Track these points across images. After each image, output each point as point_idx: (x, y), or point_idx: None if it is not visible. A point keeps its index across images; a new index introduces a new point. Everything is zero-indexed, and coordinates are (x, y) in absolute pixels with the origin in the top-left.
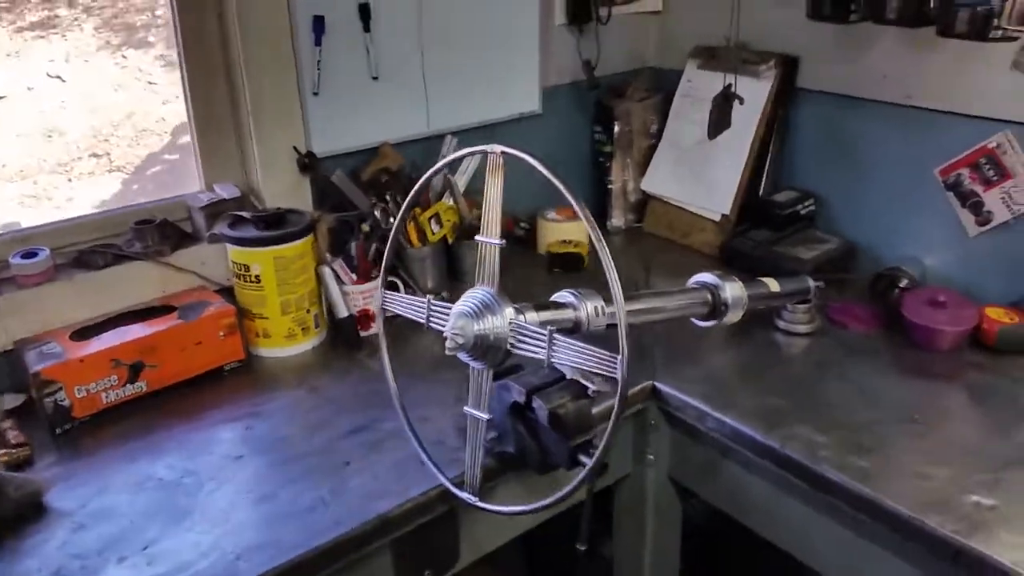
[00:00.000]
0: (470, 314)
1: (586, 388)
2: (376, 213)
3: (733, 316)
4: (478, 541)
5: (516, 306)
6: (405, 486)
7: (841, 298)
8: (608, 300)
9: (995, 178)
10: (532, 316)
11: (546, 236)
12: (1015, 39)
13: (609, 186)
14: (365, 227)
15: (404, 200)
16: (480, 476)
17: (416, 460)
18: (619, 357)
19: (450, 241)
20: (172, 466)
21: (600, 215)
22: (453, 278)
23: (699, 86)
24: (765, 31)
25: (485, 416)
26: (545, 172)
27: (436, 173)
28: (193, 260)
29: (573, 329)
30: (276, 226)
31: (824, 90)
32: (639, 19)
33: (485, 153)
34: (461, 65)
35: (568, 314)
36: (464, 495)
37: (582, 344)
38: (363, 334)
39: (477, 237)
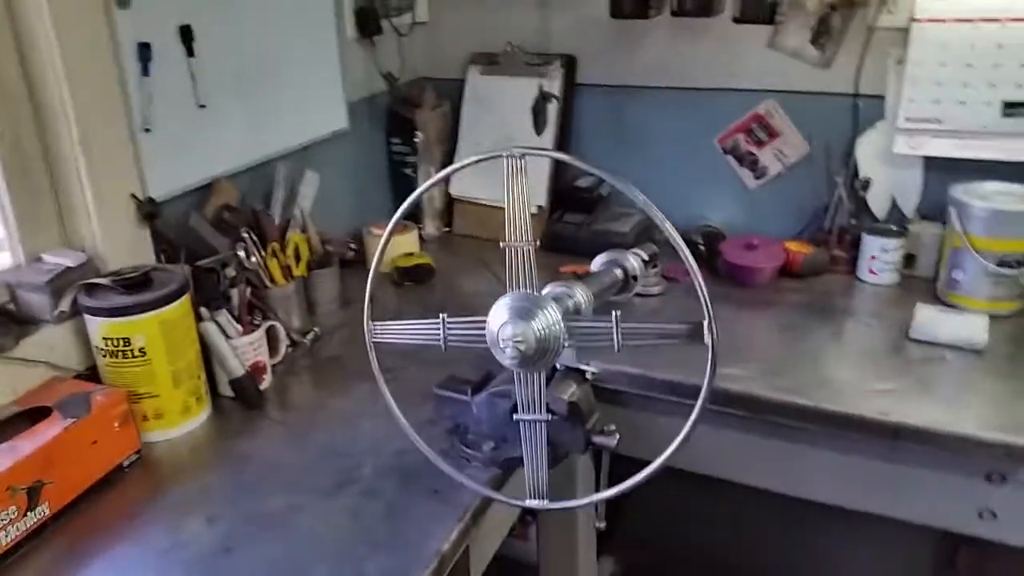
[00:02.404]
0: (522, 317)
1: (583, 372)
2: (239, 254)
3: (635, 286)
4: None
5: (555, 294)
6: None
7: (666, 259)
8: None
9: (766, 139)
10: (580, 292)
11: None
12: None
13: None
14: (230, 271)
15: (257, 236)
16: (546, 479)
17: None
18: (705, 321)
19: (305, 275)
20: None
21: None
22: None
23: (485, 91)
24: (540, 35)
25: (545, 417)
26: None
27: (431, 187)
28: (40, 348)
29: (621, 290)
30: (144, 288)
31: (604, 83)
32: (411, 30)
33: (501, 157)
34: (276, 87)
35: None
36: (534, 503)
37: (651, 322)
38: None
39: (504, 244)
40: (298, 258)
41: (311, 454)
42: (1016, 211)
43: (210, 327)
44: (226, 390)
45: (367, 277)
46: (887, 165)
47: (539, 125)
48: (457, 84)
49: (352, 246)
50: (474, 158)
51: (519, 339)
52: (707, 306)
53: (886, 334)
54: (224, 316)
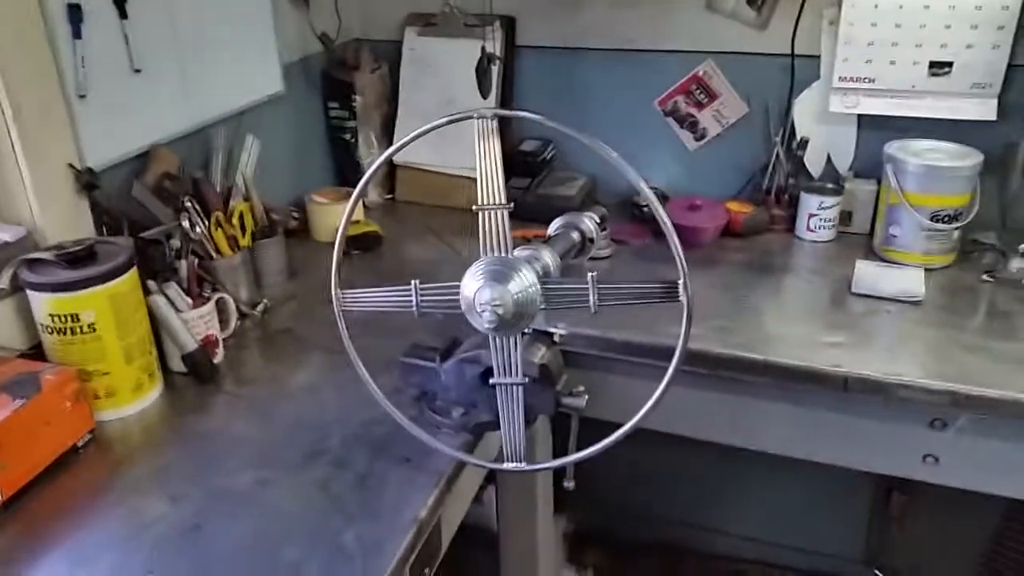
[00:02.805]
0: (498, 280)
1: (551, 335)
2: (184, 224)
3: (590, 249)
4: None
5: (525, 257)
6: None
7: (614, 222)
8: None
9: (705, 100)
10: (547, 256)
11: (326, 221)
12: None
13: (362, 162)
14: (175, 242)
15: (199, 205)
16: (524, 442)
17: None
18: (680, 279)
19: (250, 245)
20: None
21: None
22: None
23: (424, 53)
24: None
25: (522, 380)
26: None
27: (398, 151)
28: None
29: (578, 253)
30: (90, 262)
31: (544, 45)
32: None
33: (471, 118)
34: (210, 49)
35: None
36: (512, 466)
37: (628, 282)
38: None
39: (477, 207)
40: (243, 228)
41: (275, 428)
42: (948, 167)
43: (159, 300)
44: (178, 365)
45: (312, 247)
46: (823, 124)
47: (484, 87)
48: (395, 45)
49: (295, 214)
50: (444, 119)
51: (496, 302)
52: (682, 265)
53: (829, 289)
54: (173, 289)
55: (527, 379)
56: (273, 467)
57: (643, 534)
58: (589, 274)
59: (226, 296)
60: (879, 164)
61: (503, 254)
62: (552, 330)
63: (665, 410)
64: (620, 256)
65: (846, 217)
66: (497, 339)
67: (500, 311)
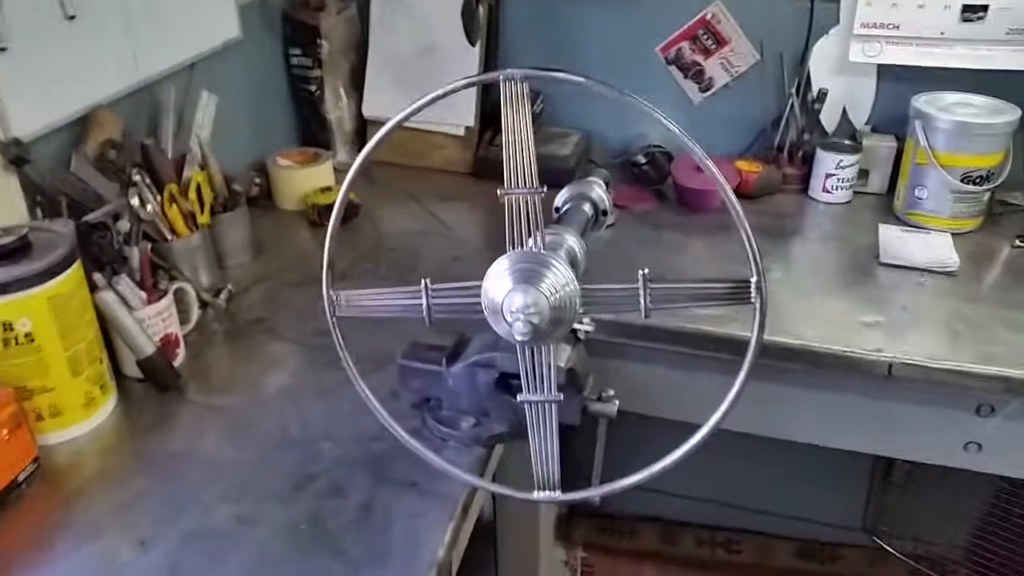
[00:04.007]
0: (529, 281)
1: (575, 331)
2: (133, 202)
3: (603, 222)
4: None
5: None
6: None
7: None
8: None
9: (713, 47)
10: (571, 240)
11: (292, 187)
12: None
13: (329, 116)
14: (124, 224)
15: (150, 177)
16: (559, 468)
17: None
18: (754, 278)
19: (209, 222)
20: None
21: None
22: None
23: None
24: None
25: (557, 397)
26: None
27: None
28: None
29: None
30: (23, 256)
31: None
32: None
33: (496, 82)
34: None
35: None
36: (545, 496)
37: (686, 282)
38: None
39: (503, 192)
40: (201, 201)
41: (253, 446)
42: (983, 123)
43: (109, 298)
44: (133, 370)
45: (278, 217)
46: (840, 75)
47: (471, 32)
48: None
49: (257, 181)
50: (462, 81)
51: (531, 310)
52: (756, 260)
53: (854, 259)
54: (124, 283)
55: (562, 395)
56: (255, 499)
57: (634, 507)
58: (640, 272)
59: (185, 286)
60: (899, 118)
61: (535, 249)
62: (578, 326)
63: (683, 399)
64: (622, 223)
65: (863, 176)
66: (527, 350)
67: (536, 319)
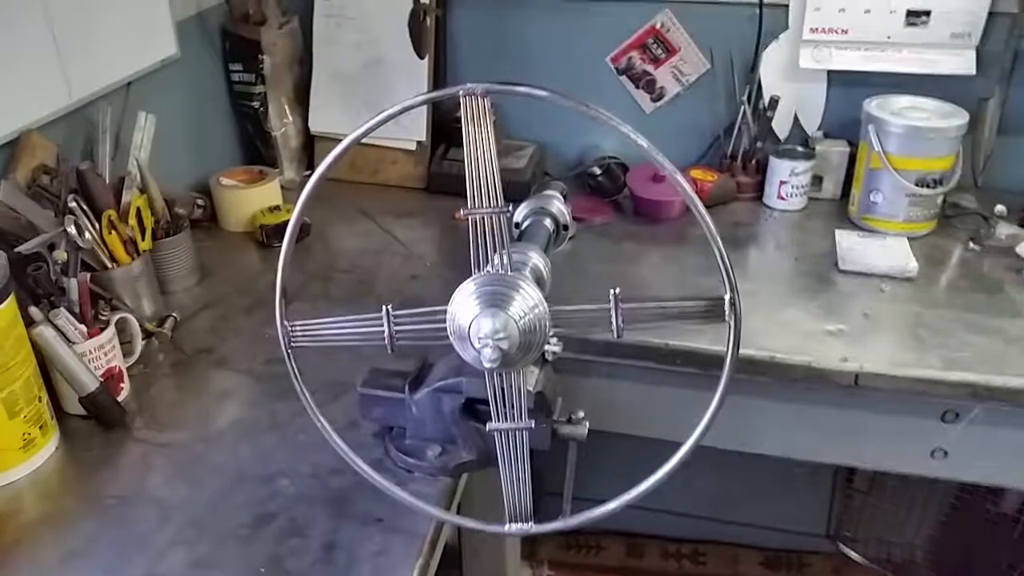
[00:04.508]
0: (497, 305)
1: (542, 353)
2: (70, 230)
3: (564, 237)
4: None
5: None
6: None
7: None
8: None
9: (663, 55)
10: (536, 257)
11: (238, 207)
12: None
13: (274, 133)
14: (61, 254)
15: (87, 203)
16: (530, 498)
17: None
18: (727, 295)
19: (150, 248)
20: None
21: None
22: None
23: (341, 3)
24: None
25: (528, 424)
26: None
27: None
28: None
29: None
30: None
31: None
32: None
33: (457, 95)
34: (89, 7)
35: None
36: (518, 528)
37: (659, 300)
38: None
39: (466, 212)
40: (141, 227)
41: (205, 486)
42: (933, 127)
43: (47, 333)
44: (76, 408)
45: (222, 240)
46: (791, 81)
47: (420, 45)
48: None
49: (200, 202)
50: (420, 97)
51: (500, 335)
52: (729, 276)
53: (814, 266)
54: (62, 316)
55: (533, 422)
56: (210, 541)
57: (599, 522)
58: (611, 291)
59: (128, 316)
60: (849, 123)
61: (501, 270)
62: (546, 347)
63: (650, 415)
64: (582, 236)
65: (816, 182)
66: (495, 376)
67: (505, 344)
